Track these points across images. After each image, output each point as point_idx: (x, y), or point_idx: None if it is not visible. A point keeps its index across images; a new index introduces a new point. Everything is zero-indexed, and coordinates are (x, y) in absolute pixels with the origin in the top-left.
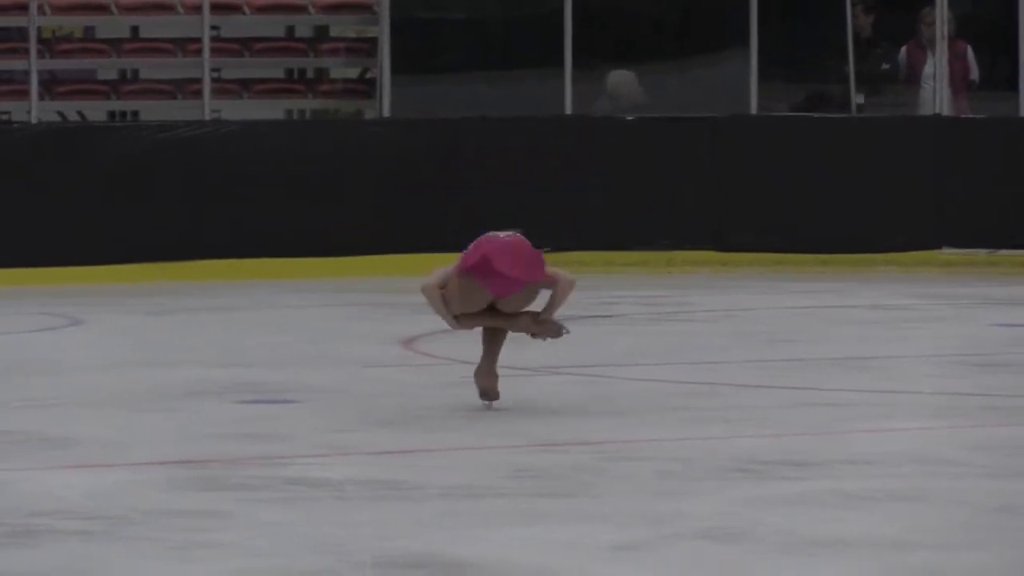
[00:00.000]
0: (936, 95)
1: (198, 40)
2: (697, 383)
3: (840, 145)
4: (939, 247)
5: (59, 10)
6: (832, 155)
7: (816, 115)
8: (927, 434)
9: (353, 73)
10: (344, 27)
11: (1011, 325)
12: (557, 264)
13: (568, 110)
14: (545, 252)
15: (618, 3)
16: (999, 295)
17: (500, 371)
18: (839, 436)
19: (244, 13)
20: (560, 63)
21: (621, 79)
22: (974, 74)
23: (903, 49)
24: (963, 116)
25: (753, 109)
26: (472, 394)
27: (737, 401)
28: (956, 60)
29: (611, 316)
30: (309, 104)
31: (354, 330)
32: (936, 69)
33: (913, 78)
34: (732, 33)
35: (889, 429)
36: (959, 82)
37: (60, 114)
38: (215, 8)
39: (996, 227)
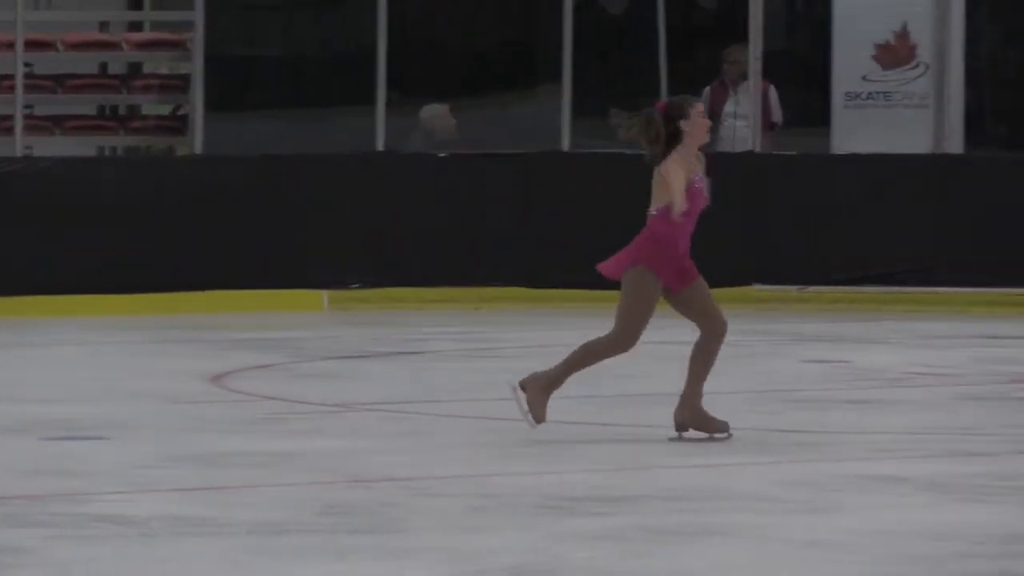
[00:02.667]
0: (751, 132)
1: (11, 77)
2: (506, 419)
3: (648, 182)
4: (750, 284)
5: None
6: (644, 192)
7: (629, 151)
8: (737, 469)
9: (165, 109)
10: (157, 63)
11: (822, 361)
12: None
13: (380, 146)
14: (355, 288)
15: (432, 37)
16: (810, 331)
17: (304, 407)
18: (646, 471)
19: (57, 50)
20: (373, 99)
21: (435, 113)
22: (776, 115)
23: (707, 89)
24: (774, 152)
25: (565, 146)
26: (282, 430)
27: (546, 436)
28: (762, 100)
29: (422, 352)
30: (121, 140)
31: (163, 366)
32: (752, 106)
33: (714, 117)
34: (546, 69)
35: (697, 465)
36: (760, 121)
37: None
38: (28, 45)
39: (807, 264)
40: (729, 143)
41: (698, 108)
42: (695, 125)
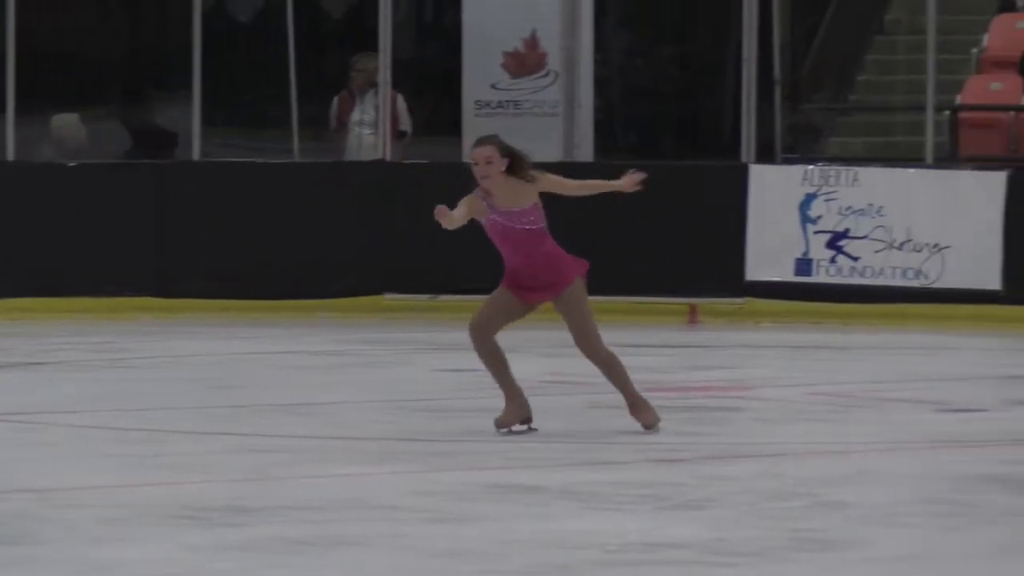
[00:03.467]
0: (379, 140)
1: None
2: (138, 429)
3: (282, 191)
4: (381, 293)
5: None
6: (274, 201)
7: (259, 161)
8: (369, 479)
9: None
10: None
11: (454, 370)
12: None
13: (10, 156)
14: None
15: (61, 46)
16: (441, 340)
17: None
18: (281, 481)
19: None
20: (2, 108)
21: (65, 122)
22: (405, 124)
23: (335, 98)
24: (404, 161)
25: (196, 155)
26: None
27: (179, 447)
28: (385, 107)
29: (53, 363)
30: None
31: None
32: (381, 114)
33: (340, 126)
34: (177, 77)
35: (330, 475)
36: (389, 130)
37: None
38: None
39: (438, 272)
40: (355, 151)
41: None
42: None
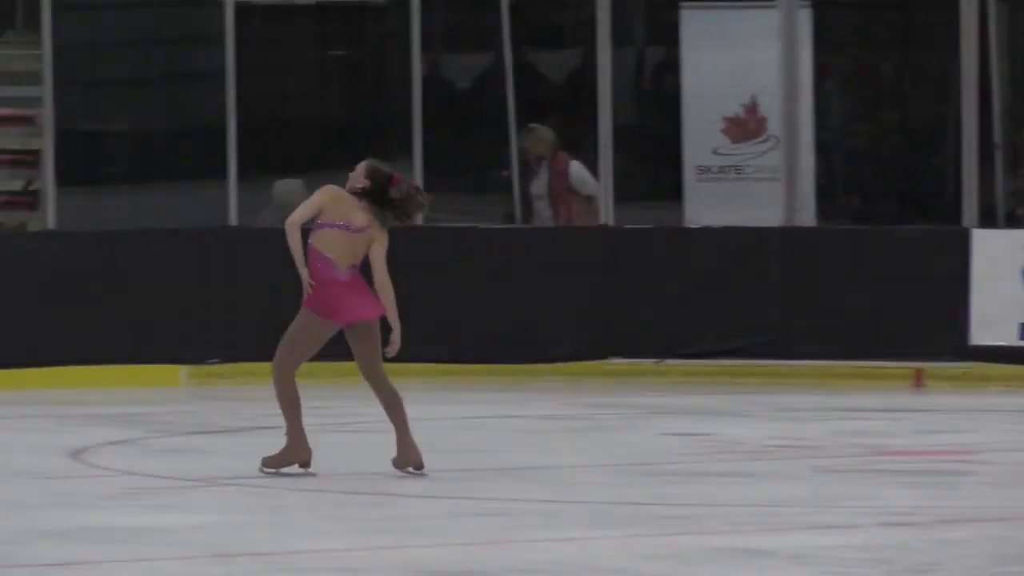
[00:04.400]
0: (603, 206)
1: None
2: (365, 493)
3: (506, 255)
4: (606, 357)
5: None
6: (497, 265)
7: (481, 226)
8: (596, 543)
9: (17, 185)
10: (7, 139)
11: (680, 434)
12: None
13: (233, 221)
14: (212, 363)
15: (281, 113)
16: (667, 404)
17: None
18: (507, 545)
19: None
20: (224, 174)
21: (287, 188)
22: (587, 188)
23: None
24: (627, 226)
25: (418, 220)
26: (142, 504)
27: (404, 511)
28: (557, 176)
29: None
30: None
31: (22, 441)
32: (602, 180)
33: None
34: (397, 142)
35: (556, 538)
36: (560, 195)
37: None
38: None
39: (663, 336)
40: (541, 219)
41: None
42: None
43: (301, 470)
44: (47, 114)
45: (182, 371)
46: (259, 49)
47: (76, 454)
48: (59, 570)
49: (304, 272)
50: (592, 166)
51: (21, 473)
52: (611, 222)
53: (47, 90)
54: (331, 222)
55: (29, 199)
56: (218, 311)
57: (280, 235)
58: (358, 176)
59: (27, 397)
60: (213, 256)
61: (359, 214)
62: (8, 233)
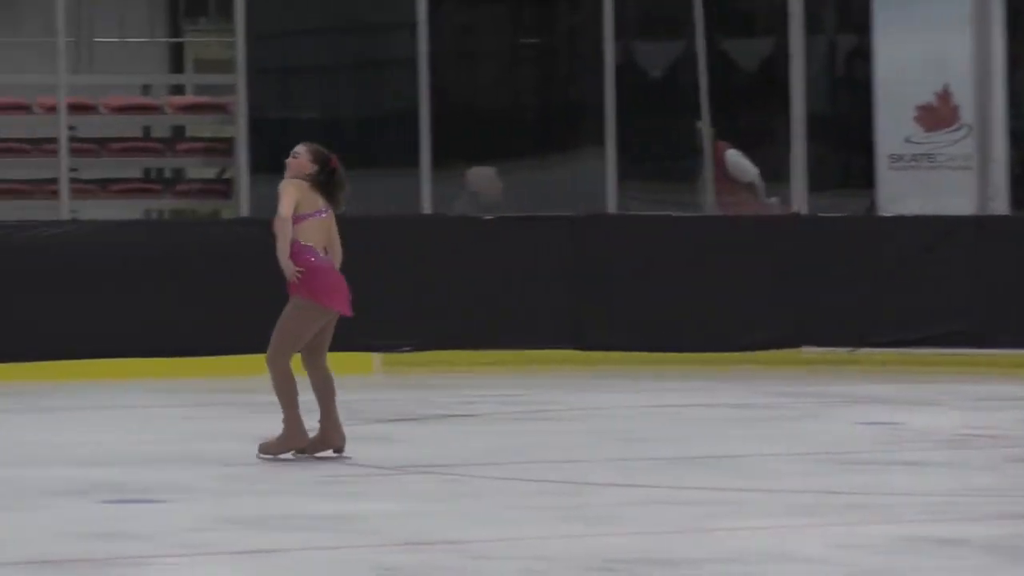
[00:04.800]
0: (796, 195)
1: (54, 140)
2: (557, 482)
3: (695, 244)
4: (799, 345)
5: None
6: (692, 253)
7: (675, 214)
8: (789, 532)
9: (211, 173)
10: (201, 127)
11: (873, 423)
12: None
13: (426, 209)
14: (406, 351)
15: (474, 101)
16: (860, 393)
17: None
18: (700, 534)
19: (100, 113)
20: (417, 161)
21: (482, 175)
22: (746, 175)
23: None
24: (822, 215)
25: (611, 207)
26: (337, 492)
27: (596, 500)
28: (715, 165)
29: (472, 416)
30: (167, 204)
31: (215, 429)
32: (797, 168)
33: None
34: (590, 130)
35: (749, 527)
36: (720, 183)
37: None
38: (71, 108)
39: (856, 325)
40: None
41: None
42: None
43: (294, 455)
44: (240, 102)
45: (375, 359)
46: (452, 36)
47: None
48: (255, 557)
49: (289, 265)
50: (784, 154)
51: (218, 461)
52: (804, 210)
53: (240, 78)
54: (309, 212)
55: (223, 187)
56: (411, 299)
57: (474, 223)
58: (304, 162)
59: (220, 385)
60: (406, 244)
61: (320, 200)
62: (202, 221)
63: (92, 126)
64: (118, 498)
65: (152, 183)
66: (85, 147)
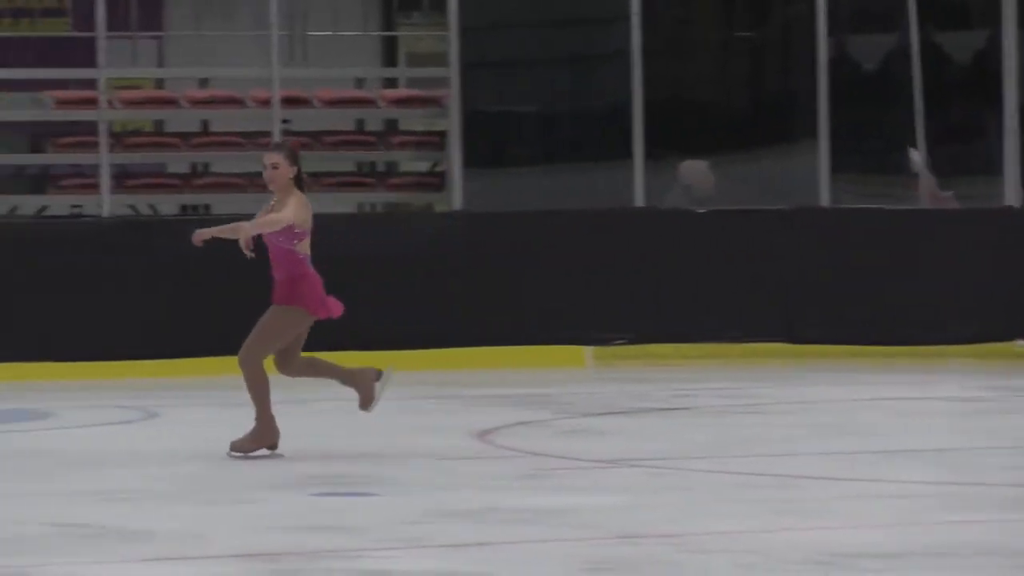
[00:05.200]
0: (1012, 189)
1: (268, 134)
2: (770, 475)
3: (911, 236)
4: (1013, 339)
5: (129, 104)
6: (904, 246)
7: (888, 207)
8: (1005, 526)
9: (424, 166)
10: (414, 121)
11: None
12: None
13: (639, 202)
14: (618, 344)
15: (687, 94)
16: None
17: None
18: (913, 527)
19: (313, 107)
20: (629, 155)
21: (694, 168)
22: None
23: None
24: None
25: (824, 200)
26: (549, 485)
27: (809, 493)
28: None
29: (686, 408)
30: (380, 197)
31: (430, 422)
32: (1009, 160)
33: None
34: (803, 123)
35: (964, 520)
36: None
37: (132, 207)
38: (285, 102)
39: None
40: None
41: None
42: None
43: (269, 452)
44: (453, 96)
45: (588, 352)
46: (665, 30)
47: (483, 435)
48: (467, 550)
49: (249, 232)
50: (997, 148)
51: (429, 455)
52: (1017, 203)
53: (454, 71)
54: (309, 228)
55: (436, 180)
56: (624, 292)
57: (687, 216)
58: (284, 171)
59: (434, 378)
60: (619, 237)
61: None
62: (415, 214)
63: (305, 119)
64: (331, 491)
65: (365, 176)
66: (298, 140)
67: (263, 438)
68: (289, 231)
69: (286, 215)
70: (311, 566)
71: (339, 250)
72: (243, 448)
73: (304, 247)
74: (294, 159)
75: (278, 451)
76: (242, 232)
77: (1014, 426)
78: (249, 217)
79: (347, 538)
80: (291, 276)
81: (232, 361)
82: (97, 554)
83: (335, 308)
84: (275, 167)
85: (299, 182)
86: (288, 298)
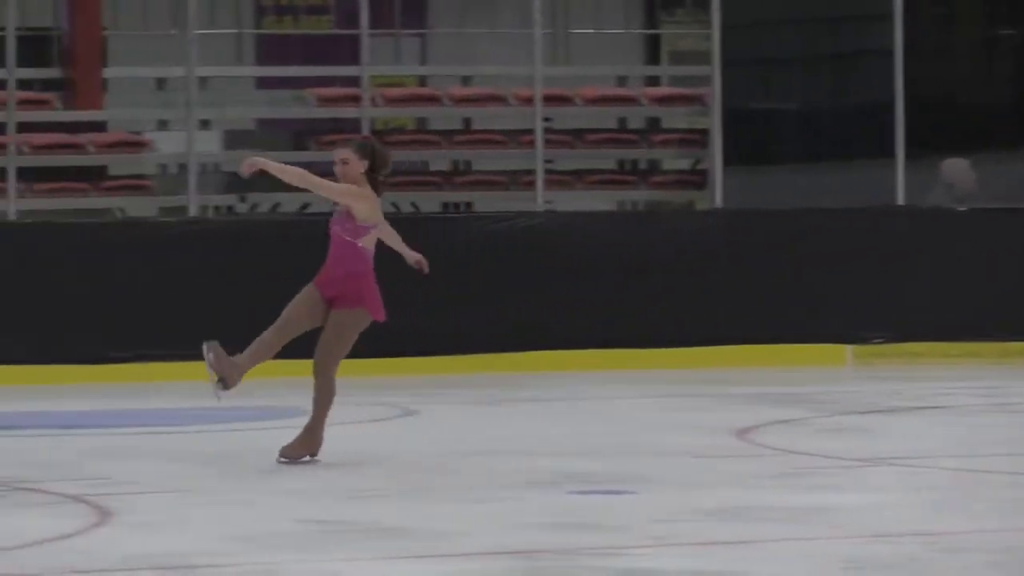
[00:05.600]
0: None
1: (530, 132)
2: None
3: None
4: None
5: (392, 102)
6: None
7: None
8: None
9: (685, 164)
10: (675, 119)
11: None
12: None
13: (900, 200)
14: (877, 342)
15: (949, 92)
16: None
17: (827, 462)
18: None
19: (576, 105)
20: (891, 153)
21: (956, 167)
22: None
23: None
24: None
25: None
26: (806, 484)
27: None
28: None
29: (943, 407)
30: (641, 195)
31: (687, 420)
32: None
33: None
34: None
35: None
36: None
37: (394, 205)
38: (547, 100)
39: None
40: None
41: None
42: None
43: (310, 458)
44: (715, 93)
45: (848, 350)
46: (928, 28)
47: (741, 433)
48: (723, 548)
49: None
50: None
51: (686, 452)
52: None
53: (715, 69)
54: (373, 224)
55: (697, 178)
56: (883, 289)
57: (948, 214)
58: (356, 167)
59: (694, 376)
60: (880, 235)
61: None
62: (676, 211)
63: (567, 118)
64: (587, 488)
65: (626, 174)
66: (560, 138)
67: (310, 445)
68: (354, 224)
69: (343, 190)
70: (567, 564)
71: (599, 248)
72: (291, 455)
73: (369, 243)
74: (364, 153)
75: (317, 458)
76: (286, 174)
77: None
78: (506, 216)
79: (603, 536)
80: (351, 272)
81: (491, 359)
82: (351, 551)
83: (379, 314)
84: (344, 162)
85: (372, 179)
86: (353, 301)
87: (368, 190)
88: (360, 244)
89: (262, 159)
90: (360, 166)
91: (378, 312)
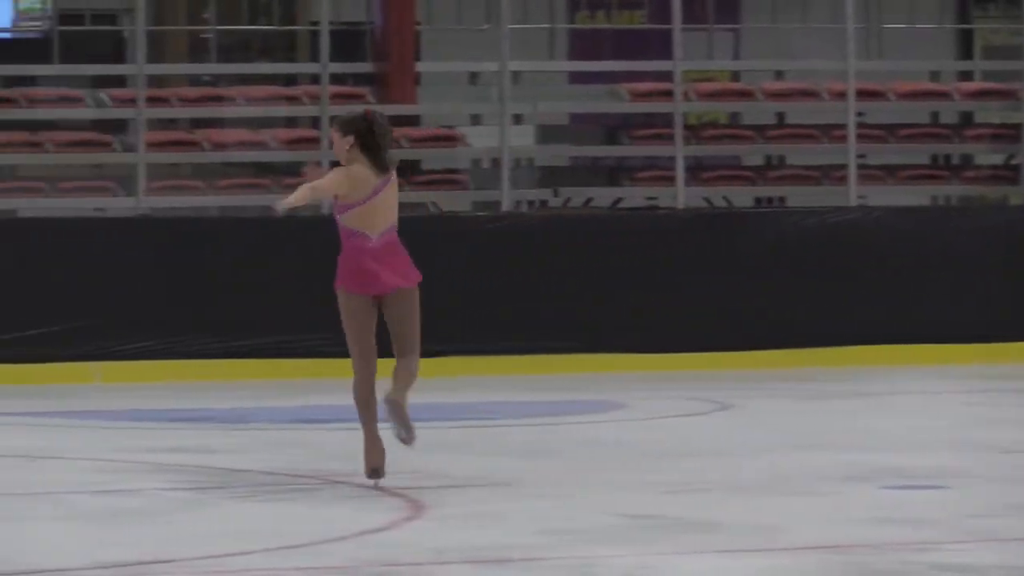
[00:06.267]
0: None
1: (843, 126)
2: None
3: None
4: None
5: (705, 96)
6: None
7: None
8: None
9: (998, 159)
10: (988, 114)
11: None
12: None
13: None
14: None
15: None
16: None
17: None
18: None
19: (888, 99)
20: None
21: None
22: None
23: None
24: None
25: None
26: None
27: None
28: None
29: None
30: (954, 190)
31: (997, 415)
32: None
33: None
34: None
35: None
36: None
37: (706, 200)
38: (860, 94)
39: None
40: None
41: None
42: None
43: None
44: None
45: None
46: None
47: None
48: None
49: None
50: None
51: (996, 448)
52: None
53: None
54: (353, 203)
55: (1011, 173)
56: None
57: None
58: (340, 145)
59: (1005, 371)
60: None
61: (372, 176)
62: (986, 206)
63: (880, 112)
64: (901, 484)
65: (939, 169)
66: (873, 133)
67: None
68: (337, 203)
69: (320, 183)
70: (882, 559)
71: (913, 243)
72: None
73: (349, 221)
74: (347, 129)
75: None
76: (299, 198)
77: None
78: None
79: (918, 531)
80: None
81: (804, 353)
82: (666, 545)
83: (380, 287)
84: (331, 144)
85: (367, 149)
86: (412, 277)
87: (350, 168)
88: (340, 221)
89: (284, 200)
90: (344, 143)
91: (348, 284)
